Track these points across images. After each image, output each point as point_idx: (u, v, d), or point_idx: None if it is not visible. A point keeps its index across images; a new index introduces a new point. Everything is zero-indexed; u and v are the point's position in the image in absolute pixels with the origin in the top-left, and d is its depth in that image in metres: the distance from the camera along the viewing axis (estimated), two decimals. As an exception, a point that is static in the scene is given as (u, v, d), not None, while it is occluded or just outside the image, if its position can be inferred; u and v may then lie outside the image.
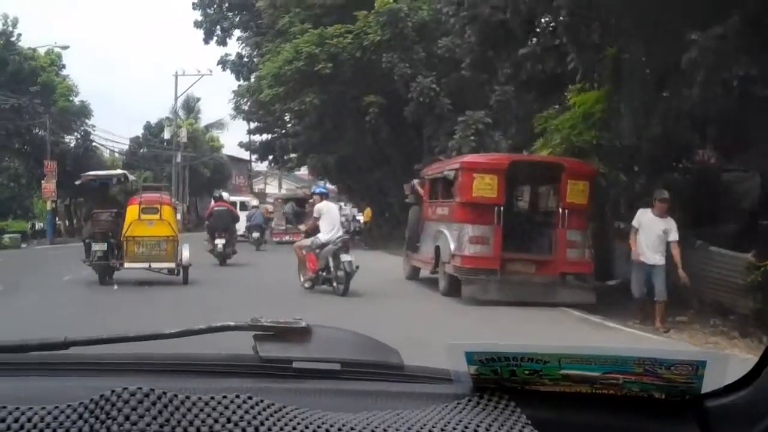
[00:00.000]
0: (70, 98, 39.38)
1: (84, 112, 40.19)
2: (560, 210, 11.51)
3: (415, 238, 14.18)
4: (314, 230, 12.13)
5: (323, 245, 11.71)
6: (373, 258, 25.03)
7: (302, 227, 13.85)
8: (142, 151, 53.42)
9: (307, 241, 12.10)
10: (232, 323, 1.22)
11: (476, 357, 1.03)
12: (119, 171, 18.66)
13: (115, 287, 12.53)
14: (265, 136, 47.71)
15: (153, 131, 54.58)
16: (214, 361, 1.24)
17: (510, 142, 23.29)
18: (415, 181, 15.03)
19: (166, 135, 50.84)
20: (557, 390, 1.07)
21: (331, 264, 11.70)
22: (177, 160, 48.86)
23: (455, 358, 1.06)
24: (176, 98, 49.99)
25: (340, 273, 11.57)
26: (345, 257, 11.55)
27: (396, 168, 30.95)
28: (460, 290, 11.71)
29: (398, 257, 25.34)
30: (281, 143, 41.52)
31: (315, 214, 12.27)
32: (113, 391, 0.88)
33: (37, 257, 24.43)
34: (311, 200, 41.48)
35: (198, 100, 59.25)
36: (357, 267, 11.58)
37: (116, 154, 49.79)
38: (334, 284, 11.74)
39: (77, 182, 16.92)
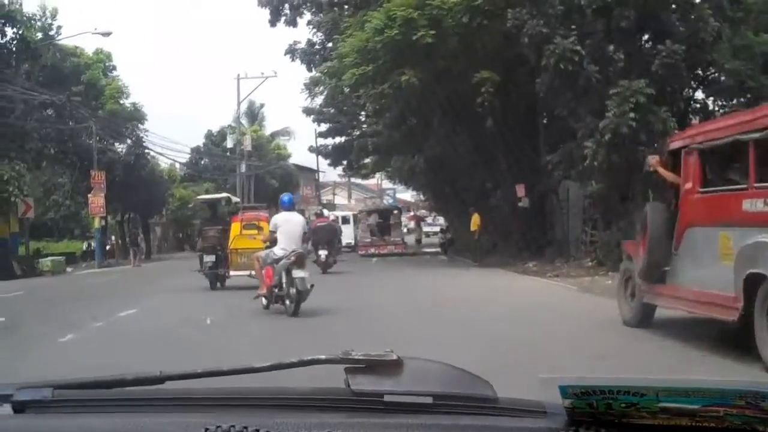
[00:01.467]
0: (120, 101, 34.54)
1: (136, 116, 35.32)
2: None
3: (663, 256, 7.92)
4: (273, 242, 11.44)
5: (278, 260, 10.96)
6: (494, 279, 18.71)
7: (260, 238, 13.07)
8: (203, 161, 49.16)
9: (263, 253, 11.47)
10: (323, 357, 1.24)
11: (571, 390, 1.01)
12: (224, 194, 21.09)
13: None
14: (337, 139, 42.73)
15: (215, 140, 50.33)
16: (306, 395, 1.26)
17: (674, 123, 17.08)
18: (652, 158, 8.67)
19: (229, 143, 46.11)
20: (656, 423, 1.04)
21: (284, 281, 10.92)
22: (241, 169, 43.90)
23: (549, 390, 1.02)
24: (239, 102, 45.28)
25: (293, 291, 10.71)
26: (297, 273, 10.67)
27: (502, 165, 24.96)
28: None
29: (525, 276, 19.13)
30: (360, 143, 35.99)
31: (271, 228, 11.70)
32: (206, 430, 0.92)
33: (57, 289, 19.23)
34: (395, 212, 37.52)
35: (262, 106, 55.14)
36: (312, 286, 10.76)
37: (177, 165, 45.43)
38: (286, 303, 10.91)
39: (190, 205, 20.65)
